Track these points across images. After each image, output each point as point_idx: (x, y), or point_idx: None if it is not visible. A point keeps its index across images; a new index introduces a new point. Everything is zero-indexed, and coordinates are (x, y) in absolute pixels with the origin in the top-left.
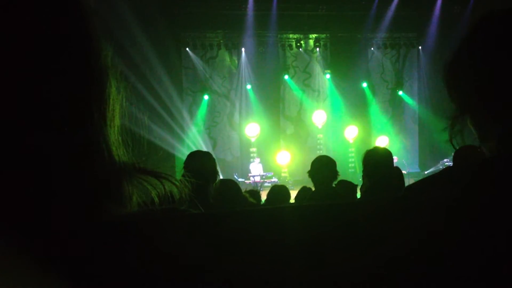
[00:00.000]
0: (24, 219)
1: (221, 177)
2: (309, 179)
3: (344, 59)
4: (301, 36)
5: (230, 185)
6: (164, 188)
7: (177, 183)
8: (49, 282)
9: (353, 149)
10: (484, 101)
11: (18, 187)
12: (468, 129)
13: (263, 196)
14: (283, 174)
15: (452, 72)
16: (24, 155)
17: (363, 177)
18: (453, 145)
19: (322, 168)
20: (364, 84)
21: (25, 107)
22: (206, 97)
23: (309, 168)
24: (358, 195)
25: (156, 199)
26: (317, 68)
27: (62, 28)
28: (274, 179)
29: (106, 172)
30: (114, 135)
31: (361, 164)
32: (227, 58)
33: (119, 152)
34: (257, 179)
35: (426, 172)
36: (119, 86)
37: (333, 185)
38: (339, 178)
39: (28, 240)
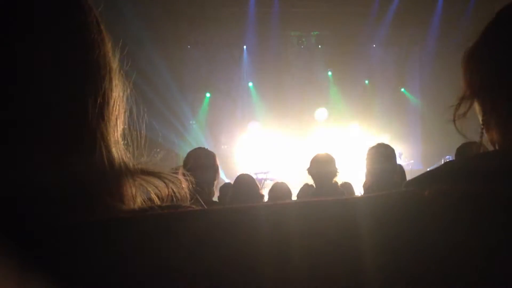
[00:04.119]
0: (17, 217)
1: (222, 174)
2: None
3: (346, 57)
4: (303, 33)
5: (247, 180)
6: (167, 189)
7: (179, 184)
8: (43, 280)
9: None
10: (501, 82)
11: (8, 185)
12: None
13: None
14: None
15: (475, 53)
16: (14, 149)
17: (366, 174)
18: (455, 126)
19: (322, 165)
20: (366, 81)
21: (14, 97)
22: (207, 94)
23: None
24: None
25: (157, 201)
26: (319, 65)
27: (58, 18)
28: (276, 177)
29: (105, 170)
30: (113, 132)
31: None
32: (229, 56)
33: (119, 151)
34: (260, 176)
35: (428, 169)
36: (120, 84)
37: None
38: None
39: (22, 239)
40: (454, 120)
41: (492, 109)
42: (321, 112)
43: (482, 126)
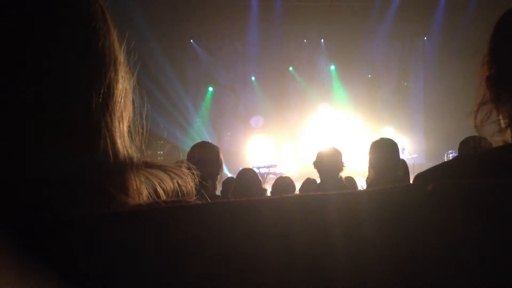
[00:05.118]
0: (18, 211)
1: (225, 169)
2: (313, 171)
3: (349, 50)
4: (306, 27)
5: (250, 174)
6: (172, 182)
7: (184, 176)
8: (44, 274)
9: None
10: (499, 86)
11: (8, 176)
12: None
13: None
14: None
15: (485, 58)
16: (17, 139)
17: (369, 168)
18: (477, 131)
19: (329, 159)
20: (369, 75)
21: (16, 86)
22: (210, 88)
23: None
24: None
25: (163, 194)
26: (322, 59)
27: (62, 6)
28: (279, 171)
29: (109, 161)
30: (118, 125)
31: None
32: (232, 50)
33: (124, 143)
34: (262, 170)
35: (431, 163)
36: (126, 77)
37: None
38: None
39: (23, 233)
40: (475, 126)
41: (502, 107)
42: (324, 106)
43: (498, 125)
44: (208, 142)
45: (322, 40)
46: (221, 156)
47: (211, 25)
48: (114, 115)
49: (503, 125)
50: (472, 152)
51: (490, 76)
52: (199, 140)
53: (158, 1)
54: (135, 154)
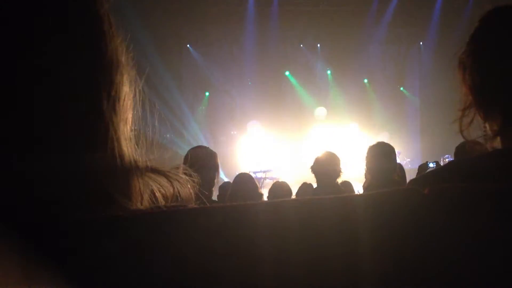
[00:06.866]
0: (21, 213)
1: (221, 173)
2: (310, 175)
3: (345, 55)
4: (302, 32)
5: (246, 179)
6: (173, 187)
7: (184, 182)
8: (47, 275)
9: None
10: (484, 96)
11: (14, 178)
12: (477, 122)
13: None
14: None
15: (467, 61)
16: (27, 139)
17: (366, 173)
18: (463, 137)
19: (326, 164)
20: (365, 80)
21: (25, 88)
22: (207, 93)
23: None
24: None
25: (161, 199)
26: (318, 63)
27: (73, 9)
28: (275, 175)
29: (115, 165)
30: (124, 128)
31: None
32: (228, 55)
33: (129, 147)
34: (258, 175)
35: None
36: (131, 80)
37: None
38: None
39: (27, 235)
40: (461, 131)
41: (490, 115)
42: (320, 111)
43: (484, 132)
44: (205, 147)
45: (319, 45)
46: (218, 160)
47: (208, 30)
48: (121, 117)
49: (491, 133)
50: (467, 156)
51: (474, 84)
52: (195, 145)
53: (154, 6)
54: (139, 158)
